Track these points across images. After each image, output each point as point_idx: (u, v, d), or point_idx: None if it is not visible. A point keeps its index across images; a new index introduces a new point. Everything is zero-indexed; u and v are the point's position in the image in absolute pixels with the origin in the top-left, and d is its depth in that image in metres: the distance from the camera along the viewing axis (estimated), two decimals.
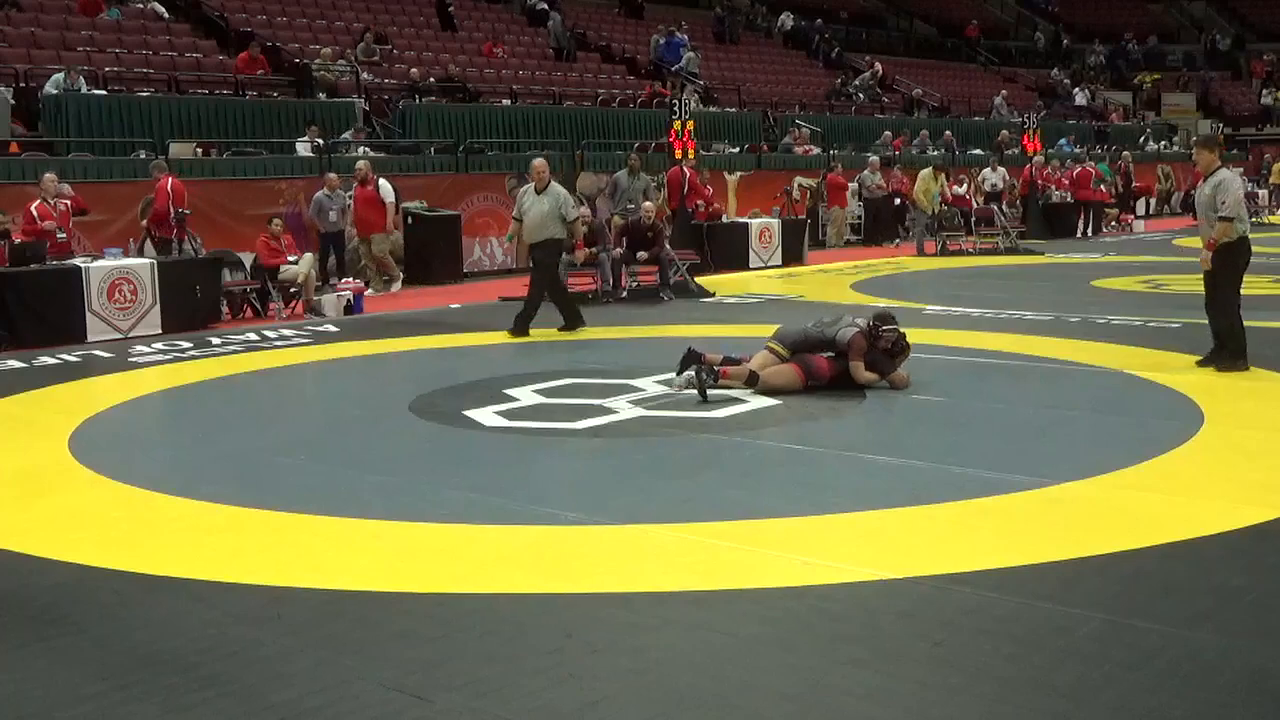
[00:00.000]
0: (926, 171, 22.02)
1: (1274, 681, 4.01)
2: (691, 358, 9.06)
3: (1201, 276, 9.74)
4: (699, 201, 19.35)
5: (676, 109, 19.26)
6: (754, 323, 12.69)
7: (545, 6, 28.17)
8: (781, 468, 6.95)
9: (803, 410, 8.44)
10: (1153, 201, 33.19)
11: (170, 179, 14.33)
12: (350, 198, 16.44)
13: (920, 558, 5.23)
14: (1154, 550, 5.29)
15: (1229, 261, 9.42)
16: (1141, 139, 36.97)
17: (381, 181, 16.44)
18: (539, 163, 12.77)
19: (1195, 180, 10.67)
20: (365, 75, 21.52)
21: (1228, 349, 9.48)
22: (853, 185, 24.39)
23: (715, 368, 8.92)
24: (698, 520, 5.81)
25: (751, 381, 8.91)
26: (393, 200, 16.54)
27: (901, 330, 9.16)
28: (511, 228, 13.17)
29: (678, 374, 9.12)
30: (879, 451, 7.23)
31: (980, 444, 7.44)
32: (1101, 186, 26.79)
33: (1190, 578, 4.98)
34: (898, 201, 24.48)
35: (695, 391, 8.77)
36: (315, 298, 14.65)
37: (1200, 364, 9.55)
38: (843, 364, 9.02)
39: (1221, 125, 37.23)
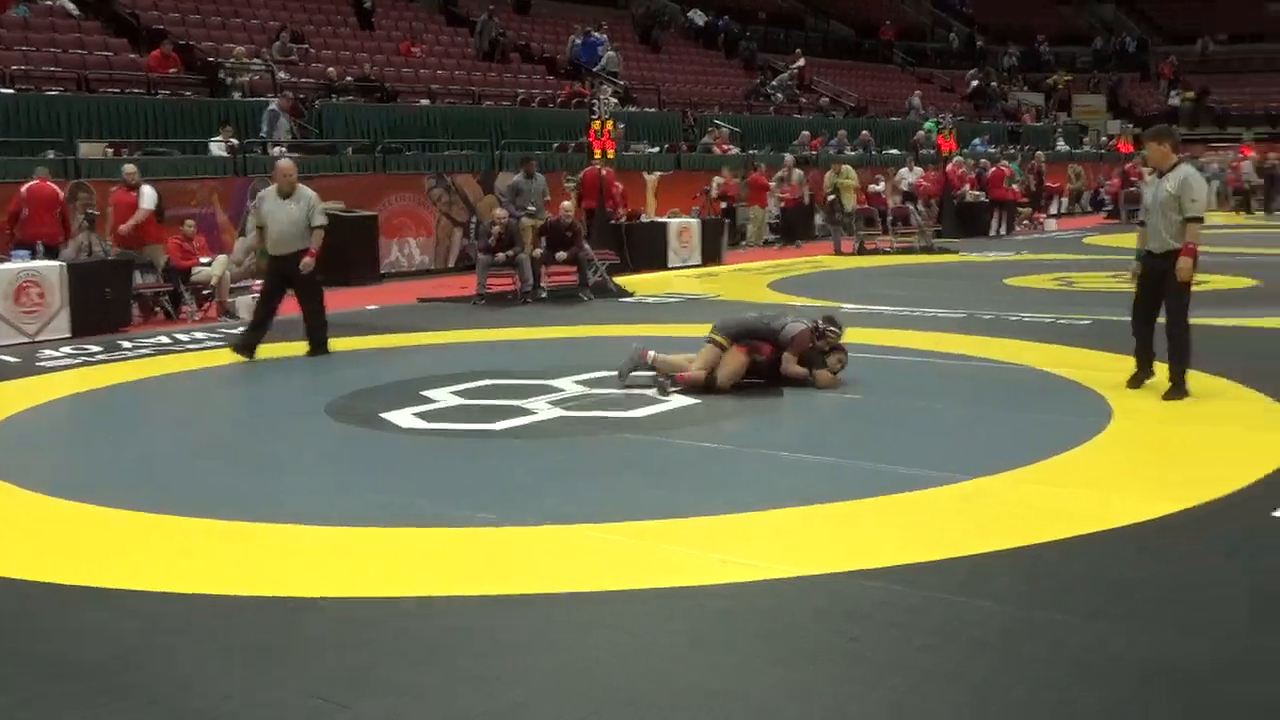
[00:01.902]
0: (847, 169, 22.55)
1: (1177, 671, 4.11)
2: (637, 360, 9.14)
3: (1131, 279, 8.82)
4: (619, 205, 19.41)
5: (595, 109, 19.24)
6: (673, 322, 12.75)
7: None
8: (699, 467, 6.98)
9: (721, 409, 8.48)
10: (1064, 200, 33.80)
11: (38, 183, 13.88)
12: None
13: (835, 554, 5.28)
14: (1061, 544, 5.38)
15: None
16: (1053, 139, 37.61)
17: (145, 188, 14.35)
18: (285, 164, 11.46)
19: (1131, 177, 10.47)
20: (281, 74, 21.27)
21: (1173, 365, 8.42)
22: (772, 185, 24.54)
23: (673, 377, 9.03)
24: (616, 520, 5.82)
25: (709, 386, 8.93)
26: (150, 207, 14.30)
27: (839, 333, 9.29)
28: (250, 238, 11.48)
29: (622, 374, 9.13)
30: (795, 449, 7.28)
31: (894, 440, 7.52)
32: (1014, 186, 27.23)
33: (1097, 570, 5.08)
34: (806, 201, 24.69)
35: (653, 388, 8.91)
36: (229, 300, 14.45)
37: (1130, 385, 8.63)
38: (779, 354, 9.09)
39: (1130, 125, 37.99)
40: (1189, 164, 8.61)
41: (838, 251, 21.86)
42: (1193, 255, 8.30)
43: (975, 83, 41.40)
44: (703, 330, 9.40)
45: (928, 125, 31.96)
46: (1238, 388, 8.72)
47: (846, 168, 23.11)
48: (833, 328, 9.24)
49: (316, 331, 11.16)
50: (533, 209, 17.32)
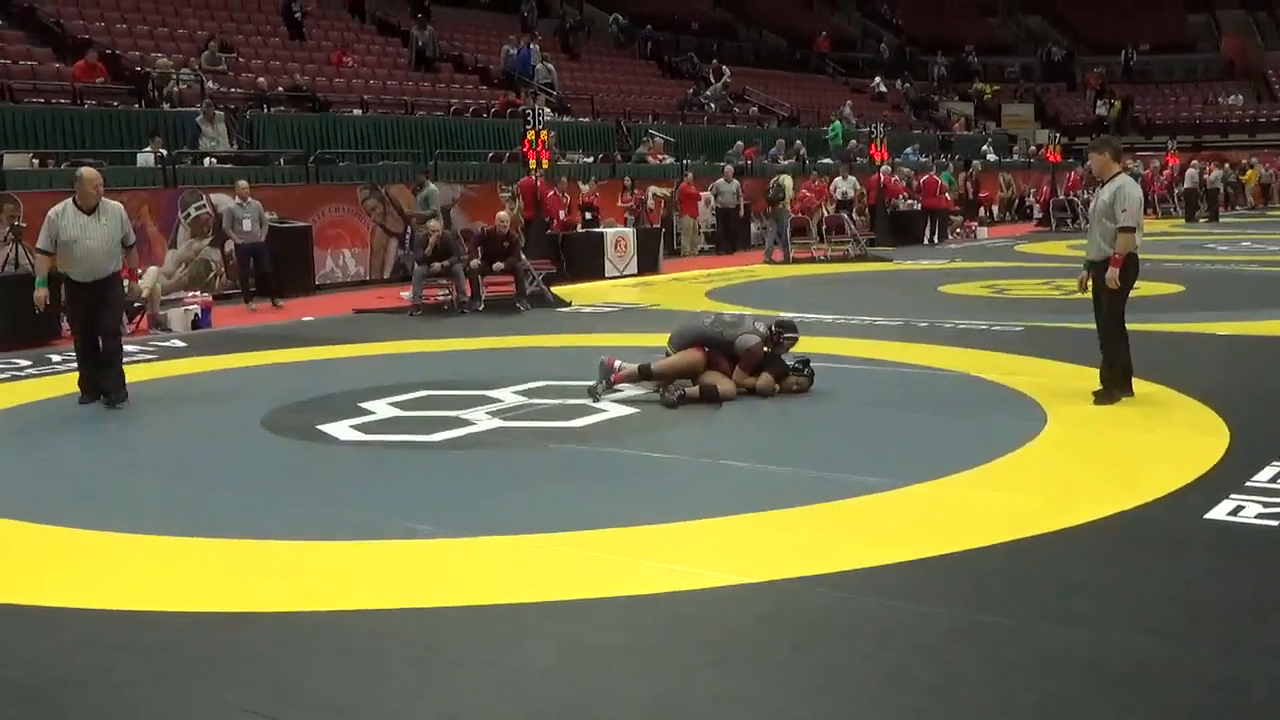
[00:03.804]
0: (786, 178, 22.77)
1: (1116, 671, 4.16)
2: (603, 370, 9.15)
3: (1086, 288, 8.80)
4: (560, 211, 19.44)
5: (530, 119, 19.24)
6: (611, 331, 12.74)
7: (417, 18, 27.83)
8: (640, 476, 6.98)
9: (661, 418, 8.50)
10: (995, 209, 34.26)
11: None
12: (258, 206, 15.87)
13: (777, 561, 5.29)
14: (1000, 548, 5.43)
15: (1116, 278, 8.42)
16: (984, 148, 38.13)
17: None
18: (90, 173, 9.48)
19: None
20: (210, 84, 21.03)
21: (1105, 369, 8.59)
22: (706, 194, 24.65)
23: (609, 378, 9.08)
24: (556, 530, 5.80)
25: (645, 374, 8.99)
26: None
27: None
28: (40, 263, 9.53)
29: (599, 386, 9.09)
30: (736, 457, 7.31)
31: (834, 448, 7.58)
32: (946, 195, 27.56)
33: (1034, 573, 5.14)
34: (742, 213, 24.82)
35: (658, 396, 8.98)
36: (161, 312, 14.26)
37: (1097, 400, 8.51)
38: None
39: (1058, 135, 38.57)
40: (1126, 175, 8.66)
41: (769, 260, 22.01)
42: (1119, 265, 8.36)
43: (882, 88, 41.92)
44: (642, 340, 9.41)
45: (834, 128, 32.36)
46: (1168, 392, 8.86)
47: (786, 178, 23.30)
48: (789, 333, 9.25)
49: (112, 373, 9.42)
50: (424, 214, 17.36)
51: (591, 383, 9.08)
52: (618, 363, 9.23)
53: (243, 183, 16.11)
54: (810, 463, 7.09)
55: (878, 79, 42.96)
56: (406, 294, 15.91)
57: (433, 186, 18.03)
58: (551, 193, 19.34)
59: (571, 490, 6.69)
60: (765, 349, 9.16)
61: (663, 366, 9.03)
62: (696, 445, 7.80)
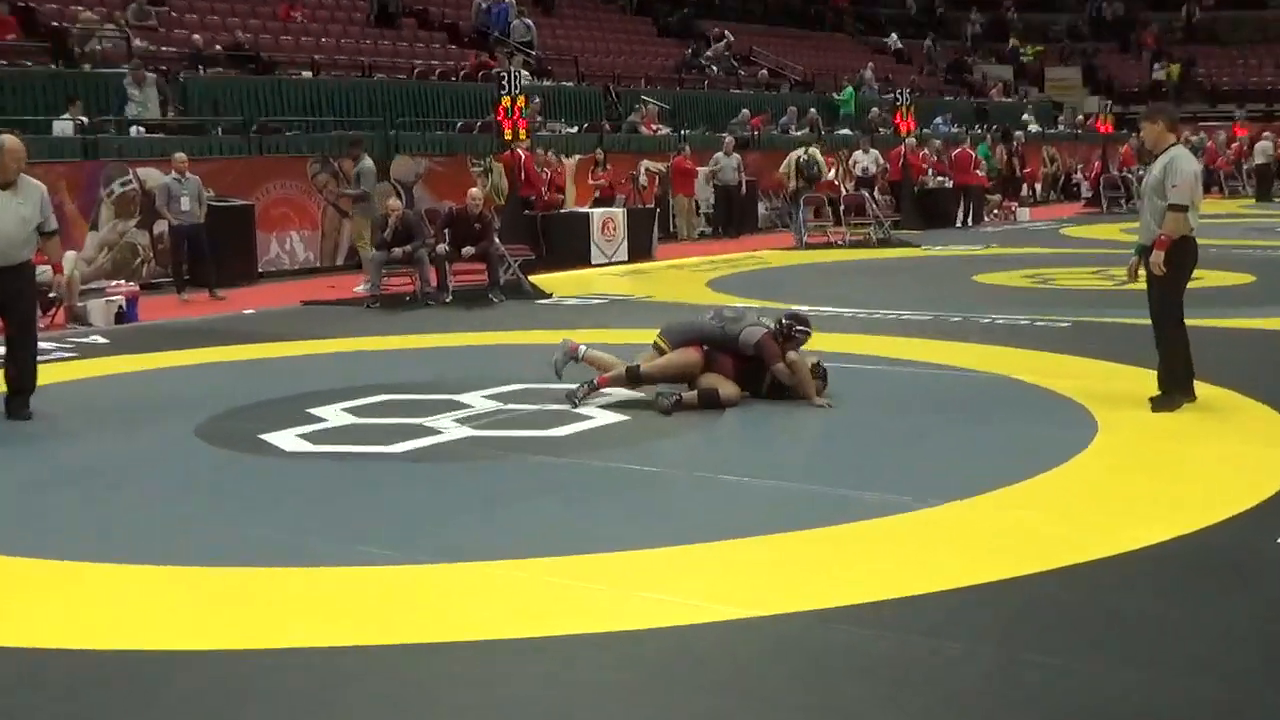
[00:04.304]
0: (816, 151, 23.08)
1: (1171, 716, 4.15)
2: (568, 353, 9.26)
3: (1137, 277, 8.74)
4: (542, 189, 19.46)
5: (505, 83, 19.22)
6: (599, 326, 12.74)
7: None
8: (630, 493, 6.98)
9: (654, 427, 8.49)
10: (1038, 186, 34.30)
11: None
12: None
13: (787, 592, 5.28)
14: (1043, 577, 5.42)
15: (1170, 262, 8.38)
16: (1024, 117, 38.16)
17: None
18: (10, 142, 9.13)
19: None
20: (138, 42, 20.98)
21: (1162, 371, 8.57)
22: (704, 170, 24.62)
23: (591, 381, 9.08)
24: (534, 555, 5.79)
25: (633, 377, 8.95)
26: None
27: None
28: None
29: (579, 391, 9.07)
30: (739, 472, 7.29)
31: (852, 461, 7.58)
32: (981, 171, 27.58)
33: (1081, 607, 5.12)
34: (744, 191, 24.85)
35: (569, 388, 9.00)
36: (80, 304, 14.22)
37: (1154, 407, 8.49)
38: (752, 369, 9.01)
39: (1110, 103, 38.66)
40: (1181, 146, 8.61)
41: (801, 244, 22.12)
42: (1165, 248, 8.32)
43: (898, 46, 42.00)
44: (633, 336, 9.40)
45: (845, 94, 32.36)
46: (1235, 397, 8.85)
47: (816, 150, 23.40)
48: (801, 327, 9.15)
49: (26, 373, 9.28)
50: (351, 192, 17.50)
51: (573, 387, 9.08)
52: (582, 348, 9.32)
53: (181, 155, 16.08)
54: (825, 479, 7.10)
55: (893, 35, 42.96)
56: (362, 286, 15.92)
57: (369, 161, 17.96)
58: (541, 169, 19.42)
59: (551, 509, 6.68)
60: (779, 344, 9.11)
61: (654, 369, 9.01)
62: (694, 458, 7.80)
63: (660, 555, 5.82)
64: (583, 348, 9.37)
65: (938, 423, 8.49)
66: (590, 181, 22.45)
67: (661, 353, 9.14)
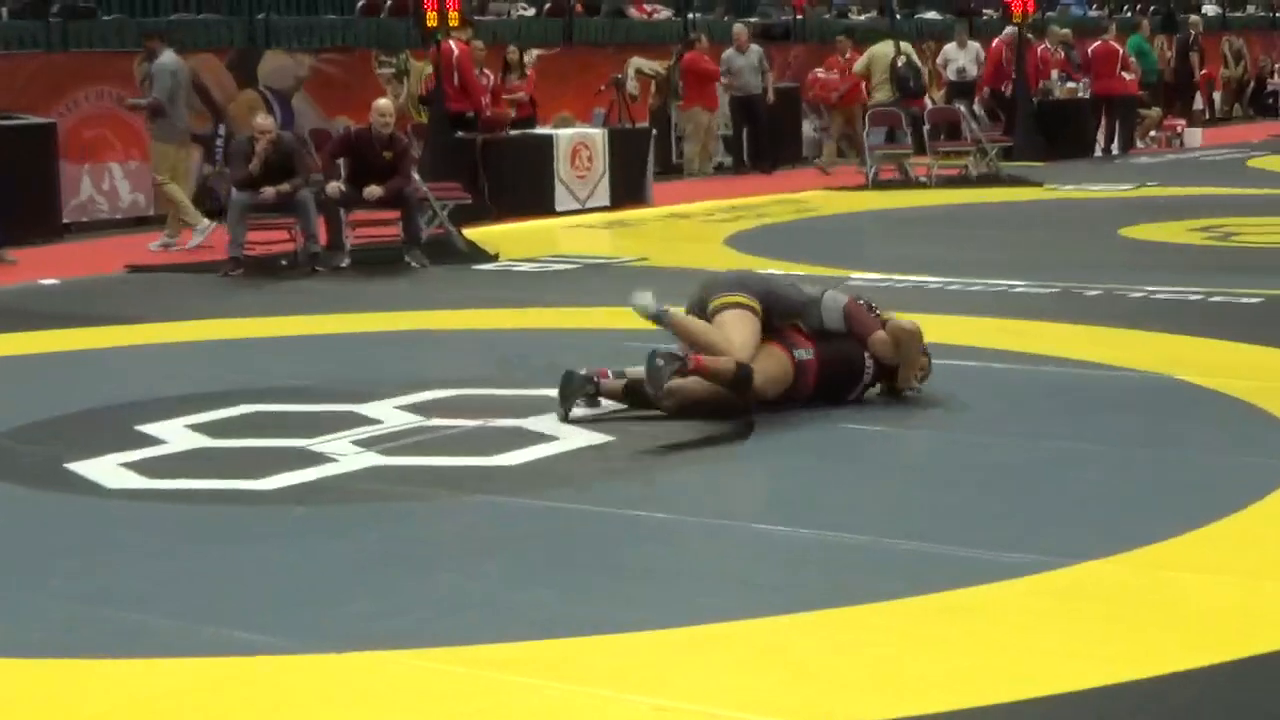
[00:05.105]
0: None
1: None
2: (577, 383, 8.97)
3: None
4: (484, 100, 19.44)
5: None
6: (567, 303, 12.79)
7: None
8: (616, 549, 6.97)
9: (648, 448, 8.51)
10: (1217, 97, 34.19)
11: None
12: None
13: (849, 694, 5.24)
14: (1215, 672, 5.38)
15: None
16: None
17: None
18: None
19: None
20: None
21: None
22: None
23: (675, 365, 8.66)
24: (473, 641, 5.75)
25: (743, 381, 8.76)
26: None
27: None
28: None
29: (563, 407, 9.00)
30: (778, 519, 7.30)
31: (945, 501, 7.57)
32: (1131, 74, 27.37)
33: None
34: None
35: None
36: None
37: None
38: (834, 351, 9.10)
39: None
40: None
41: (873, 182, 22.27)
42: None
43: None
44: (620, 321, 9.36)
45: None
46: None
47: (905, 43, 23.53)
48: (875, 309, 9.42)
49: None
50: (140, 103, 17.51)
51: (569, 389, 8.99)
52: (610, 373, 9.12)
53: None
54: (902, 527, 7.07)
55: None
56: (194, 241, 15.88)
57: (171, 55, 17.73)
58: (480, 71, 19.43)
59: (497, 573, 6.65)
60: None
61: (766, 381, 8.88)
62: (711, 497, 7.81)
63: (661, 640, 5.77)
64: (610, 371, 9.15)
65: (1070, 446, 8.49)
66: (505, 96, 21.86)
67: (747, 308, 8.95)
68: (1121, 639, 5.74)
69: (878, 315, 9.30)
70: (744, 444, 8.68)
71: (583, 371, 9.03)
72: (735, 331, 8.87)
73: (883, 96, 23.14)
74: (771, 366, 8.92)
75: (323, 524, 7.46)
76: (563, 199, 19.74)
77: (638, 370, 8.75)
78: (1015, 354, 10.80)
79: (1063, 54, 27.19)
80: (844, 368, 9.15)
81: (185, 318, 12.81)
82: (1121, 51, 27.27)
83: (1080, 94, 26.78)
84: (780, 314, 9.13)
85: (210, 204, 18.12)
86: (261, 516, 7.59)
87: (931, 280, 13.80)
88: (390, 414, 9.28)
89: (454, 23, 19.31)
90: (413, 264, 15.33)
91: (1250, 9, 39.95)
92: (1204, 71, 32.49)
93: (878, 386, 9.23)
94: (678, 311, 9.12)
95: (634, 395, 9.00)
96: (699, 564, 6.78)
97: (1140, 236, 16.73)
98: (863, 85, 23.81)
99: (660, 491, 7.87)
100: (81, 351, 11.63)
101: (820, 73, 24.93)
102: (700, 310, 9.14)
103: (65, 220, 18.03)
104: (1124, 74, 27.11)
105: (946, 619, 5.99)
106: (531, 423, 8.96)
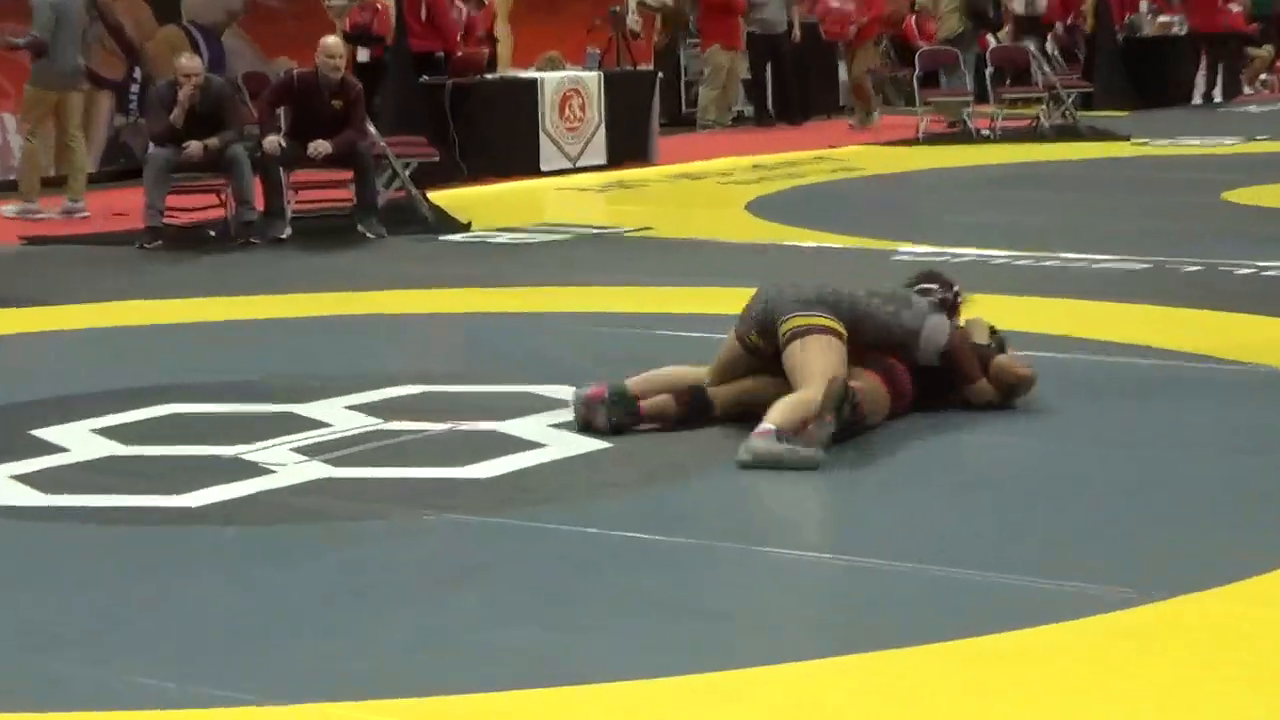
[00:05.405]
0: None
1: None
2: (620, 402, 8.84)
3: None
4: (456, 38, 19.44)
5: None
6: (558, 280, 12.88)
7: None
8: (619, 579, 6.90)
9: (649, 458, 8.49)
10: None
11: None
12: None
13: None
14: None
15: None
16: None
17: None
18: None
19: None
20: None
21: None
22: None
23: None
24: (443, 691, 5.66)
25: (848, 408, 8.52)
26: None
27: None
28: None
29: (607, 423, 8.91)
30: (814, 544, 7.43)
31: (1012, 522, 7.53)
32: (1232, 6, 27.49)
33: None
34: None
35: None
36: None
37: None
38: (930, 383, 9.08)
39: None
40: None
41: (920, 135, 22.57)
42: None
43: None
44: (627, 302, 9.26)
45: None
46: None
47: None
48: (948, 292, 9.37)
49: None
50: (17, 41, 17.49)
51: (575, 393, 8.93)
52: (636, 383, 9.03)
53: None
54: (955, 553, 7.01)
55: None
56: (66, 208, 15.81)
57: None
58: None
59: (473, 609, 6.58)
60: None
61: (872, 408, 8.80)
62: (730, 516, 7.77)
63: (676, 688, 5.68)
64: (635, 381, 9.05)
65: (1163, 454, 8.51)
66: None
67: (830, 331, 8.74)
68: (1222, 692, 5.63)
69: (986, 346, 9.25)
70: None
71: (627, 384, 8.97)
72: (819, 362, 8.61)
73: (951, 29, 22.97)
74: (872, 391, 8.80)
75: (259, 548, 7.42)
76: (549, 157, 19.95)
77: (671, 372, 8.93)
78: (1097, 343, 10.84)
79: None
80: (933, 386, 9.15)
81: (92, 299, 12.90)
82: None
83: (1175, 30, 26.87)
84: (869, 343, 8.98)
85: (124, 162, 18.05)
86: (186, 540, 7.54)
87: (997, 255, 13.95)
88: (340, 416, 9.29)
89: None
90: (367, 234, 15.45)
91: None
92: None
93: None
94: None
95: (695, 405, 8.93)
96: (712, 598, 6.68)
97: (1247, 201, 16.94)
98: (910, 18, 23.66)
99: (665, 510, 7.83)
100: None
101: (834, 1, 24.84)
102: (760, 331, 8.91)
103: None
104: (1229, 6, 27.24)
105: (1010, 664, 5.92)
106: (509, 426, 8.95)
